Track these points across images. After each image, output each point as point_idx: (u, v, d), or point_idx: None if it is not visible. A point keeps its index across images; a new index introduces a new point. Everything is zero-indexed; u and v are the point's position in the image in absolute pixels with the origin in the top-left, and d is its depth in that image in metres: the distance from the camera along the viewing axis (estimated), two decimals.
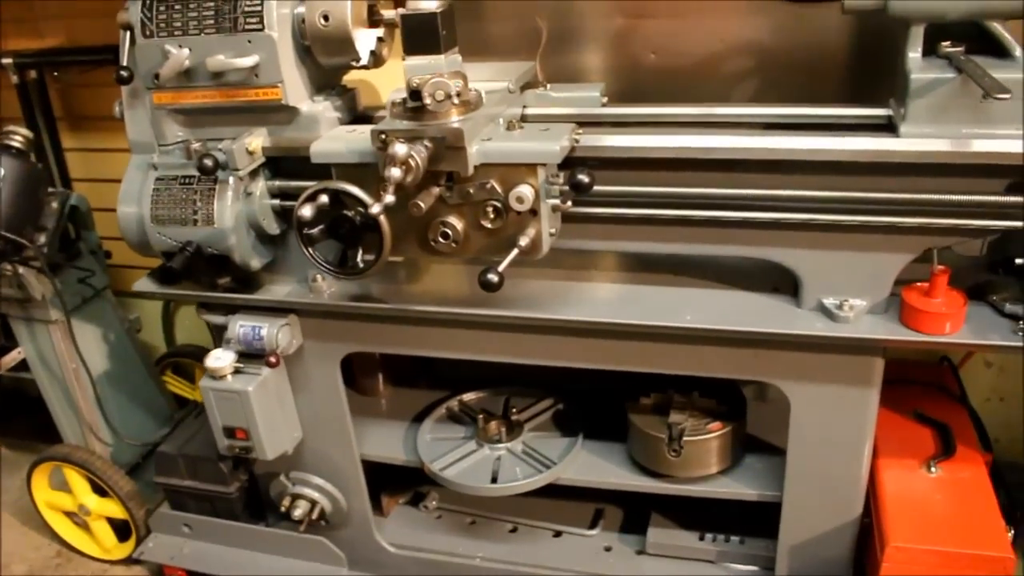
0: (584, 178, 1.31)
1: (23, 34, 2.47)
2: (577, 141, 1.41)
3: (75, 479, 2.32)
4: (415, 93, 1.28)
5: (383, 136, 1.33)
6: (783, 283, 1.55)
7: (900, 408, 1.77)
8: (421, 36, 1.36)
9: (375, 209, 1.28)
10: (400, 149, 1.26)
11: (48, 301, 2.20)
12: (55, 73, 2.45)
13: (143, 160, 1.74)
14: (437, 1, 1.36)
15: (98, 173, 2.60)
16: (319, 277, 1.69)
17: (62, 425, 2.40)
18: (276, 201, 1.66)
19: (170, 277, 1.79)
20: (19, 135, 2.09)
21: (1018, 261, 1.42)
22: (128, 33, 1.66)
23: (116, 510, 2.30)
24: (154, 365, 2.65)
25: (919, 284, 1.47)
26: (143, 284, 1.84)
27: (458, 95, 1.28)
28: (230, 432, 1.76)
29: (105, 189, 2.56)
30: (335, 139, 1.49)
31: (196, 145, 1.64)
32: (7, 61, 2.40)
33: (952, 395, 1.88)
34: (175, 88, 1.62)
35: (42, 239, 2.12)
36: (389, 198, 1.28)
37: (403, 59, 1.39)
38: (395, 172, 1.26)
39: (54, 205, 2.17)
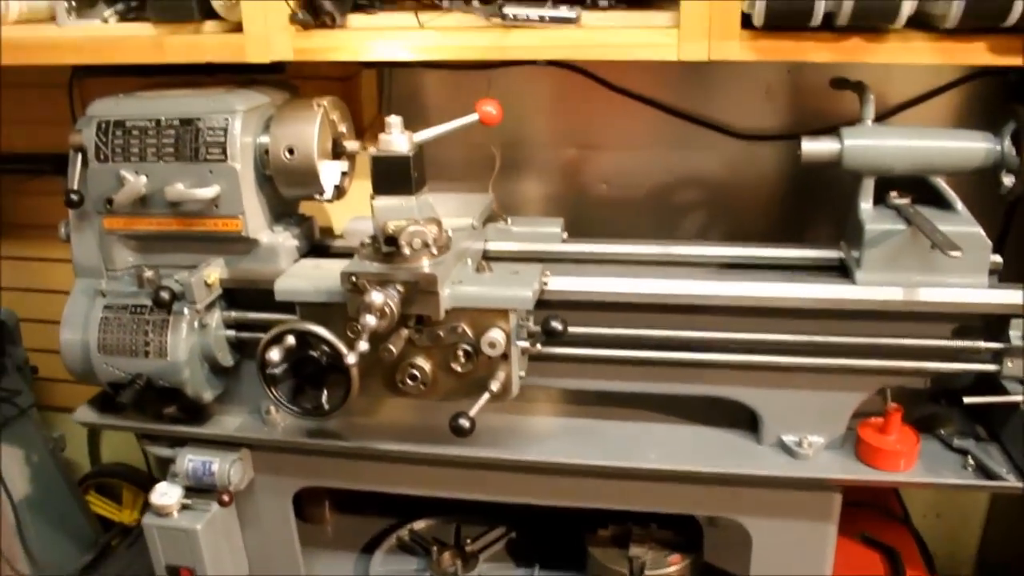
0: (557, 326, 1.32)
1: None
2: (545, 284, 1.43)
3: None
4: (391, 239, 1.27)
5: (354, 279, 1.32)
6: (741, 417, 1.58)
7: (848, 531, 1.80)
8: (392, 178, 1.36)
9: (351, 360, 1.26)
10: (377, 297, 1.25)
11: None
12: None
13: (89, 285, 1.68)
14: (408, 143, 1.36)
15: (27, 282, 2.50)
16: (273, 409, 1.65)
17: None
18: (232, 332, 1.62)
19: (112, 406, 1.71)
20: None
21: (966, 400, 1.47)
22: (80, 155, 1.63)
23: None
24: (77, 485, 2.52)
25: (873, 419, 1.51)
26: (83, 414, 1.75)
27: (434, 241, 1.28)
28: (174, 571, 1.68)
29: (33, 299, 2.48)
30: (300, 276, 1.47)
31: (149, 274, 1.59)
32: None
33: (896, 516, 1.92)
34: (128, 214, 1.59)
35: None
36: (363, 346, 1.26)
37: (371, 198, 1.39)
38: (371, 320, 1.25)
39: None
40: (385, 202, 1.37)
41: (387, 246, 1.29)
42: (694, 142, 1.86)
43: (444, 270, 1.34)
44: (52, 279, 2.44)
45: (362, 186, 1.66)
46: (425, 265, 1.32)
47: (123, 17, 1.72)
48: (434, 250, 1.28)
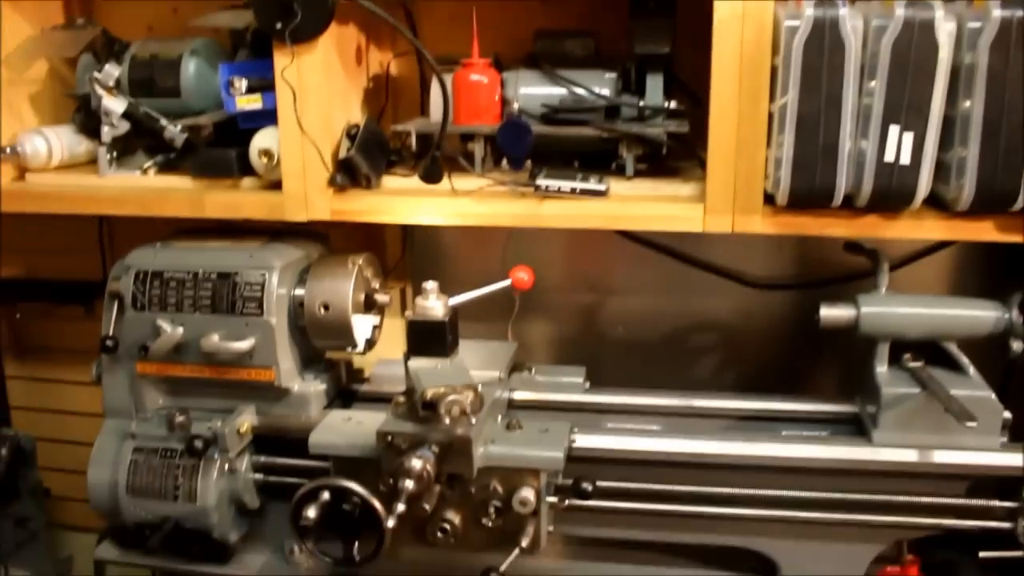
0: (587, 487, 1.36)
1: None
2: (573, 442, 1.47)
3: None
4: (429, 404, 1.32)
5: (389, 438, 1.36)
6: (758, 563, 1.61)
7: None
8: (428, 342, 1.41)
9: (390, 523, 1.29)
10: (416, 464, 1.30)
11: None
12: (17, 316, 2.40)
13: (118, 426, 1.71)
14: (443, 308, 1.42)
15: (40, 403, 2.52)
16: (296, 549, 1.67)
17: None
18: (259, 476, 1.65)
19: (132, 541, 1.73)
20: None
21: (982, 555, 1.51)
22: (116, 302, 1.68)
23: None
24: None
25: (890, 569, 1.55)
26: (105, 551, 1.75)
27: (471, 407, 1.32)
28: None
29: (46, 419, 2.50)
30: (333, 430, 1.50)
31: (180, 418, 1.62)
32: None
33: None
34: (162, 360, 1.63)
35: None
36: (401, 507, 1.29)
37: (405, 358, 1.44)
38: (409, 484, 1.29)
39: (2, 451, 2.09)
40: (420, 364, 1.42)
41: (424, 410, 1.33)
42: (708, 288, 1.93)
43: (477, 430, 1.38)
44: (66, 400, 2.47)
45: (387, 326, 1.72)
46: (460, 427, 1.36)
47: (162, 169, 1.80)
48: (471, 417, 1.32)
